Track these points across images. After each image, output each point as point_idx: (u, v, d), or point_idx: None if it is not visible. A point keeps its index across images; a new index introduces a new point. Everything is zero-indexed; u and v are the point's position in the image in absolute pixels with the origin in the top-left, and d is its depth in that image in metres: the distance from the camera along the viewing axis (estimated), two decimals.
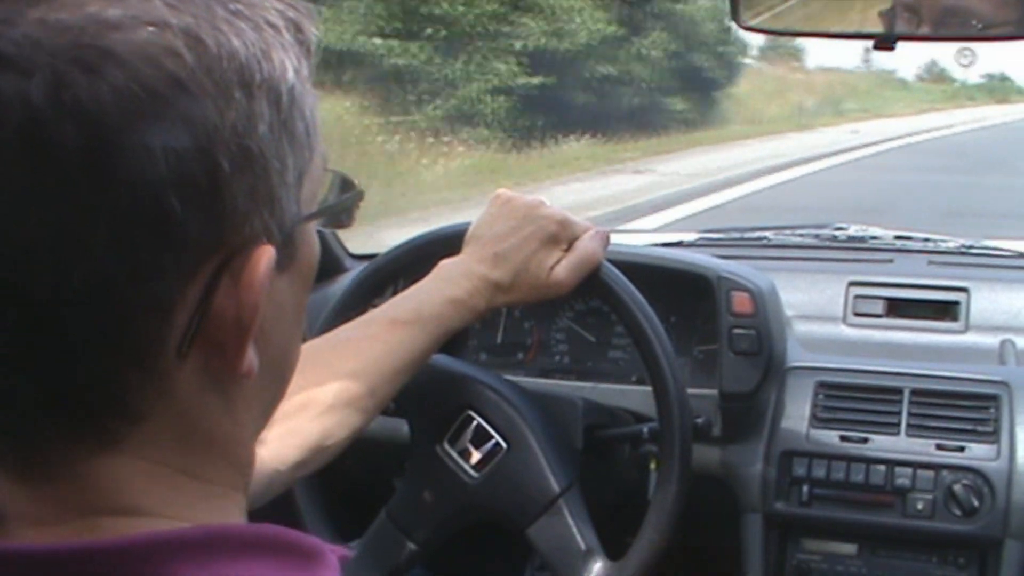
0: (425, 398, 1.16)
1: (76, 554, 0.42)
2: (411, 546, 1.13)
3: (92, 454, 0.43)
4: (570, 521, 1.08)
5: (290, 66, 0.46)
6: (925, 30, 0.94)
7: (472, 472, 1.12)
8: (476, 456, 1.12)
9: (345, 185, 0.54)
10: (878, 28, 0.93)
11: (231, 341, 0.45)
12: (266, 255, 0.45)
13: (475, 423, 1.13)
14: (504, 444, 1.12)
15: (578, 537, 1.06)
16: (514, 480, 1.11)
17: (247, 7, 0.44)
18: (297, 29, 0.47)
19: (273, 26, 0.45)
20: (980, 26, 0.95)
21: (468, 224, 1.19)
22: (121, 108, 0.40)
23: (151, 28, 0.41)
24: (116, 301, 0.41)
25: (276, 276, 0.46)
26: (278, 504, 1.19)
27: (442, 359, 1.19)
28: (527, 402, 1.16)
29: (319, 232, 1.75)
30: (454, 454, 1.13)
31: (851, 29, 0.94)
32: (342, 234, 1.72)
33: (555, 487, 1.09)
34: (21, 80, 0.39)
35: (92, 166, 0.40)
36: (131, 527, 0.43)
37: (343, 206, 0.55)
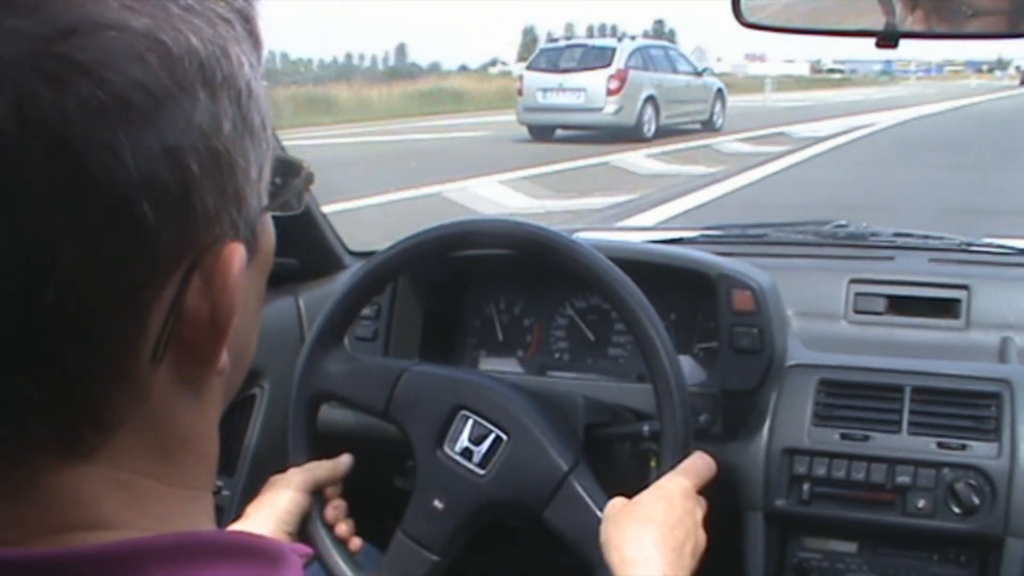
0: (417, 406, 1.16)
1: (48, 562, 0.41)
2: (433, 558, 1.13)
3: (65, 466, 0.43)
4: (584, 496, 1.08)
5: (245, 60, 0.45)
6: (919, 18, 0.94)
7: (478, 470, 1.12)
8: (479, 453, 1.12)
9: (292, 169, 0.54)
10: (879, 26, 0.93)
11: (205, 341, 0.45)
12: (238, 253, 0.45)
13: (471, 421, 1.13)
14: (504, 435, 1.12)
15: (595, 509, 1.05)
16: (521, 468, 1.11)
17: (197, 2, 0.44)
18: (246, 20, 0.46)
19: (225, 20, 0.45)
20: (970, 13, 0.95)
21: (466, 222, 1.18)
22: (87, 118, 0.39)
23: (112, 32, 0.40)
24: (90, 311, 0.41)
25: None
26: None
27: (426, 367, 1.20)
28: (520, 392, 1.16)
29: (314, 227, 1.75)
30: (456, 456, 1.13)
31: (853, 26, 0.93)
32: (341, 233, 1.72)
33: (563, 466, 1.09)
34: None
35: (61, 178, 0.39)
36: (102, 540, 0.43)
37: (296, 191, 0.54)
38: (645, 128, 13.95)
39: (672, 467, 1.05)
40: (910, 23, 0.91)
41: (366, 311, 1.35)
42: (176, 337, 0.44)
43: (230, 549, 0.45)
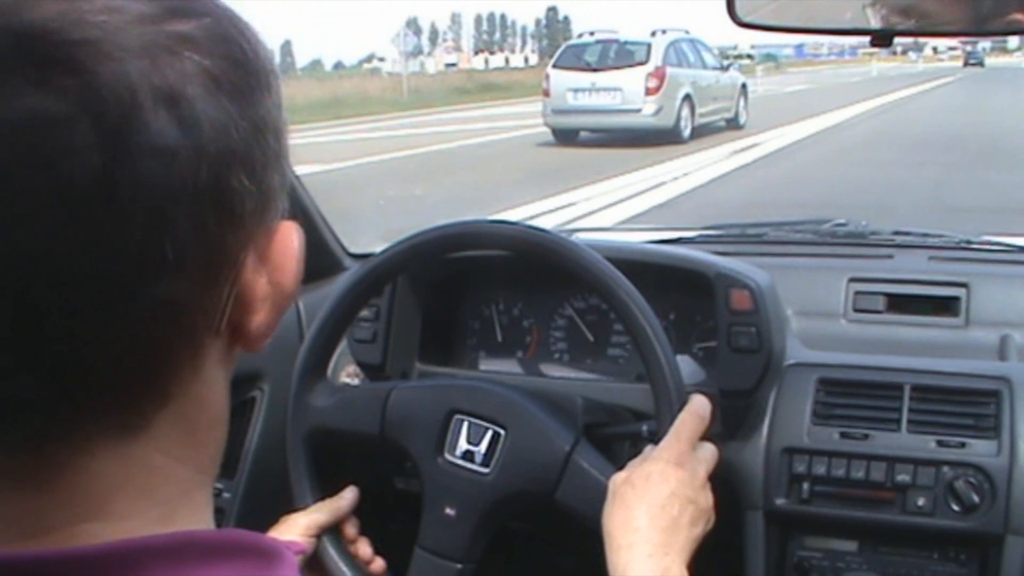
0: (411, 421, 1.17)
1: (45, 563, 0.42)
2: (456, 566, 1.12)
3: (113, 445, 0.44)
4: (591, 471, 1.08)
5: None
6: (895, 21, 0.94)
7: (482, 469, 1.12)
8: (479, 453, 1.13)
9: None
10: (875, 24, 0.93)
11: (260, 316, 0.47)
12: (296, 230, 0.48)
13: (466, 423, 1.14)
14: (501, 430, 1.13)
15: (604, 482, 1.05)
16: (524, 457, 1.11)
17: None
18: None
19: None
20: (933, 24, 0.96)
21: (464, 223, 1.18)
22: (203, 87, 0.42)
23: (208, 19, 0.44)
24: (187, 274, 0.43)
25: None
26: (276, 504, 1.19)
27: (412, 382, 1.20)
28: (510, 387, 1.17)
29: (319, 230, 1.75)
30: (458, 460, 1.13)
31: (847, 25, 0.93)
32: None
33: (564, 446, 1.10)
34: (112, 64, 0.40)
35: (182, 143, 0.41)
36: (107, 534, 0.44)
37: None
38: (683, 129, 13.05)
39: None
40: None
41: (365, 313, 1.36)
42: (232, 313, 0.46)
43: (227, 548, 0.46)
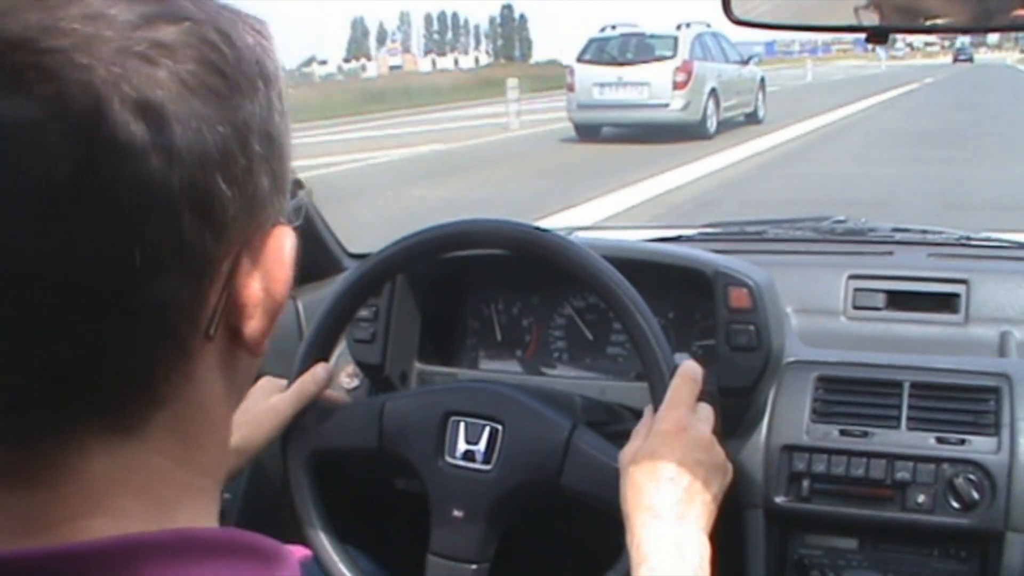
0: (408, 429, 1.16)
1: (43, 558, 0.42)
2: (471, 567, 1.12)
3: (100, 446, 0.44)
4: (592, 452, 1.08)
5: (280, 67, 0.49)
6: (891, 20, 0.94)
7: (484, 467, 1.12)
8: (480, 451, 1.12)
9: (296, 184, 0.57)
10: (872, 21, 0.93)
11: (252, 322, 0.47)
12: (288, 235, 0.49)
13: (462, 423, 1.14)
14: (498, 426, 1.13)
15: (607, 462, 1.04)
16: (524, 448, 1.11)
17: (238, 17, 0.48)
18: (269, 37, 0.51)
19: (259, 32, 0.50)
20: (926, 23, 0.95)
21: (462, 222, 1.18)
22: (175, 93, 0.43)
23: (188, 23, 0.44)
24: (166, 281, 0.43)
25: None
26: (277, 507, 1.19)
27: (402, 393, 1.19)
28: (503, 384, 1.17)
29: (318, 232, 1.75)
30: (459, 461, 1.13)
31: (843, 22, 0.93)
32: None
33: (563, 431, 1.09)
34: (83, 72, 0.41)
35: (153, 148, 0.42)
36: (104, 531, 0.44)
37: (301, 202, 0.58)
38: (709, 124, 12.83)
39: None
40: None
41: (364, 313, 1.36)
42: (226, 317, 0.46)
43: (227, 546, 0.46)
